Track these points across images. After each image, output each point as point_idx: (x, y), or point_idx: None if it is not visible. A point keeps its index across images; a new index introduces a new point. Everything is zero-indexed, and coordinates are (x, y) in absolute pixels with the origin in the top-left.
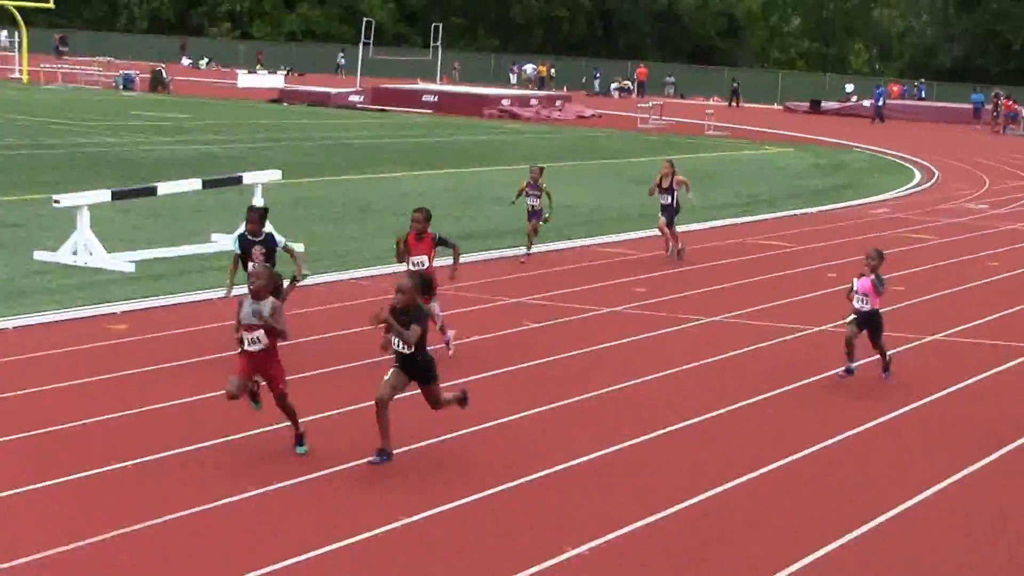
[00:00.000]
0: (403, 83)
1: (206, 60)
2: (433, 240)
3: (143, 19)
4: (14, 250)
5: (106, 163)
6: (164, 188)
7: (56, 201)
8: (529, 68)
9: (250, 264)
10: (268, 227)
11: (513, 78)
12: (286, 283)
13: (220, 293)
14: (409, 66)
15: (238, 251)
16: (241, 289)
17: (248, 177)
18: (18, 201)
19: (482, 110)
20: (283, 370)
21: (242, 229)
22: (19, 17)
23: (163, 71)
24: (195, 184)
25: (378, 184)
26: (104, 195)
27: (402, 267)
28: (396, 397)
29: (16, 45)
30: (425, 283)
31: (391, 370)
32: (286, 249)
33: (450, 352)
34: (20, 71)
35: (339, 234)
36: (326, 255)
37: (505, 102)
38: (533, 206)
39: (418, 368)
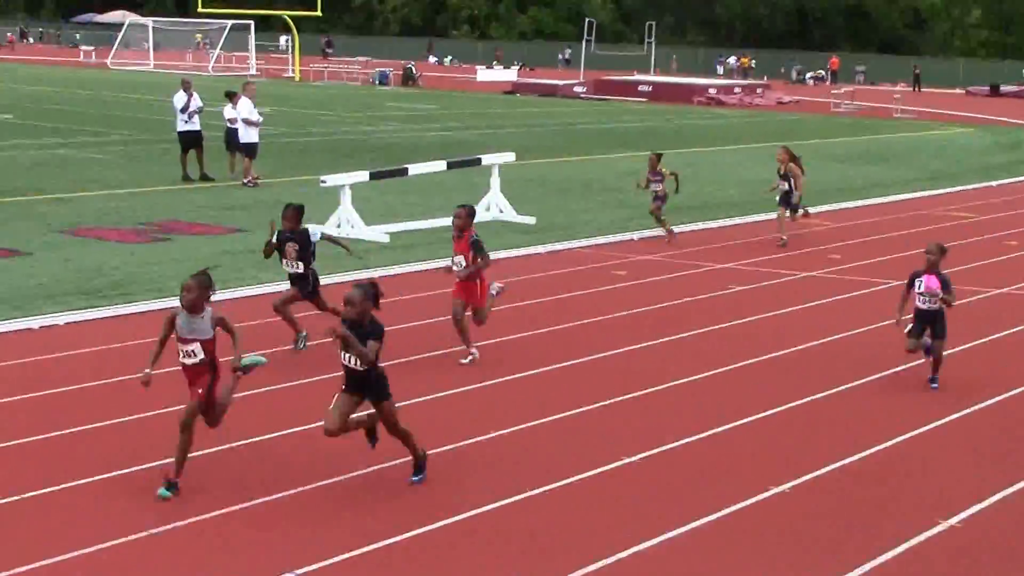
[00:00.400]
0: (621, 75)
1: (449, 58)
2: (469, 241)
3: (396, 23)
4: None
5: (365, 148)
6: (414, 169)
7: (323, 181)
8: (732, 60)
9: (284, 261)
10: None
11: (719, 69)
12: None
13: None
14: (626, 60)
15: (275, 241)
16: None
17: (486, 159)
18: (291, 181)
19: (691, 98)
20: (208, 383)
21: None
22: (292, 24)
23: (413, 68)
24: (440, 165)
25: (599, 164)
26: (363, 176)
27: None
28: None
29: (290, 48)
30: (376, 294)
31: (336, 395)
32: (326, 237)
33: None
34: (293, 70)
35: (565, 208)
36: (555, 227)
37: (711, 91)
38: (656, 191)
39: (369, 385)
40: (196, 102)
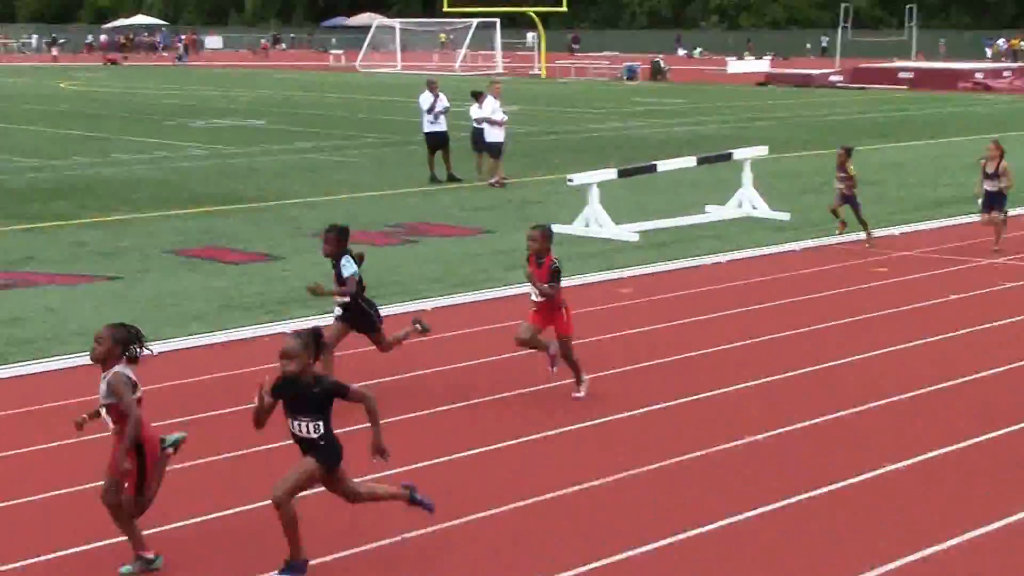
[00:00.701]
0: (880, 62)
1: (698, 50)
2: (551, 268)
3: (643, 16)
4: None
5: (612, 145)
6: (663, 166)
7: (570, 180)
8: (1001, 42)
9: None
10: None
11: (988, 52)
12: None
13: (716, 259)
14: (885, 46)
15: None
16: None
17: (738, 153)
18: (539, 181)
19: (956, 84)
20: (135, 469)
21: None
22: (538, 21)
23: (661, 62)
24: (690, 161)
25: (857, 156)
26: (611, 173)
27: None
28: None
29: (536, 45)
30: (318, 342)
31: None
32: (348, 281)
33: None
34: (539, 68)
35: (821, 203)
36: (810, 223)
37: (978, 75)
38: (841, 190)
39: (319, 454)
40: (442, 102)
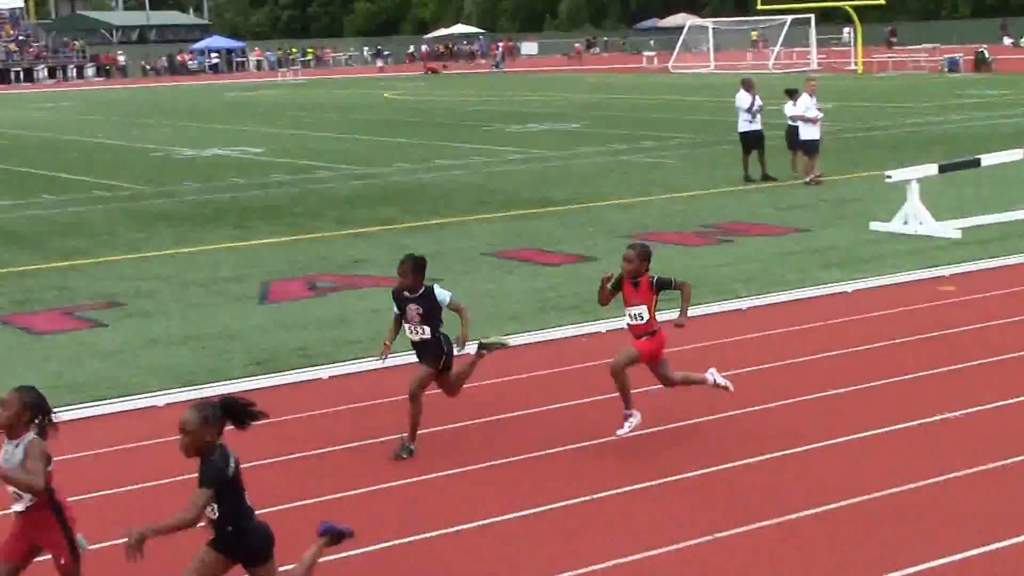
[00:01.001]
0: None
1: None
2: (651, 284)
3: (966, 5)
4: (852, 222)
5: (932, 140)
6: (987, 159)
7: (888, 176)
8: None
9: (406, 326)
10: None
11: None
12: (457, 349)
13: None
14: None
15: (396, 311)
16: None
17: None
18: (855, 178)
19: None
20: (64, 540)
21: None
22: (854, 15)
23: (985, 52)
24: (1017, 154)
25: None
26: (931, 169)
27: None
28: None
29: (852, 40)
30: (231, 410)
31: (200, 549)
32: (453, 307)
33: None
34: (855, 63)
35: None
36: None
37: None
38: None
39: (237, 546)
40: (758, 101)
